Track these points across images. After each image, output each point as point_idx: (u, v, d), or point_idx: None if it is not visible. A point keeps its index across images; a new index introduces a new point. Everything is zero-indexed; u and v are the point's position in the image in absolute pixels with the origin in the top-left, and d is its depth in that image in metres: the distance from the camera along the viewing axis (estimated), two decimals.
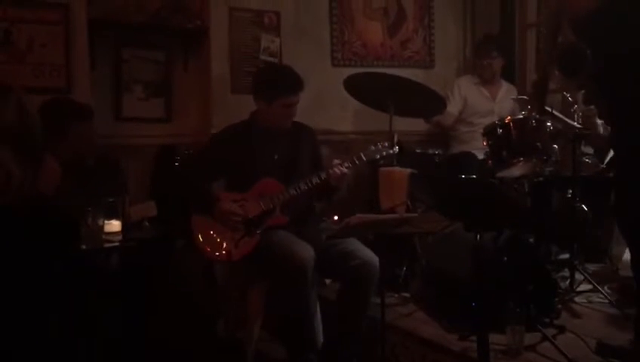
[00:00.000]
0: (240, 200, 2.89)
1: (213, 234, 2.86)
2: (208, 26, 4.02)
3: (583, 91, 3.21)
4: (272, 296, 2.91)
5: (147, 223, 3.04)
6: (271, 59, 4.15)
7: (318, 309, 2.76)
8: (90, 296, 2.35)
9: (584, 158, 3.41)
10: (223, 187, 3.06)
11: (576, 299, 3.10)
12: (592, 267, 3.49)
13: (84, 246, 2.51)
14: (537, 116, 3.08)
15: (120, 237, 2.77)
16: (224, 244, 2.83)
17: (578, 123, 3.28)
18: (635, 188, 2.29)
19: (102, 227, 2.74)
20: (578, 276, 3.23)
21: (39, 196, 1.73)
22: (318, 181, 2.87)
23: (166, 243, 3.17)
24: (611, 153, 3.43)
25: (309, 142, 3.13)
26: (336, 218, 3.49)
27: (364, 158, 2.96)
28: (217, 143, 3.06)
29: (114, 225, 2.81)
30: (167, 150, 3.96)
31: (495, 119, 3.52)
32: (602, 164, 3.52)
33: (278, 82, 2.97)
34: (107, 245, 2.71)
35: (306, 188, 2.87)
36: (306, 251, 2.68)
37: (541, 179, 3.40)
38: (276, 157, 3.00)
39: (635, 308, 2.49)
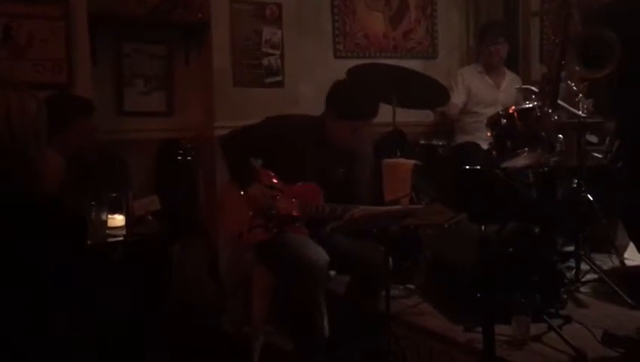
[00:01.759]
0: (277, 188, 2.82)
1: (235, 210, 2.82)
2: (209, 19, 4.00)
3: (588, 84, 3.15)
4: (279, 291, 2.90)
5: (151, 218, 3.04)
6: (272, 51, 4.13)
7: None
8: (93, 291, 2.35)
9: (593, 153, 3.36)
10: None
11: (582, 289, 3.09)
12: (597, 257, 3.47)
13: (88, 242, 2.50)
14: (550, 110, 3.04)
15: (123, 232, 2.77)
16: (240, 224, 2.79)
17: (583, 112, 3.25)
18: None
19: (105, 222, 2.74)
20: (584, 266, 3.21)
21: (44, 195, 1.72)
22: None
23: (170, 238, 3.16)
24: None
25: (365, 170, 3.02)
26: None
27: None
28: (276, 129, 2.87)
29: (117, 220, 2.81)
30: (169, 144, 3.95)
31: (499, 109, 3.50)
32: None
33: (352, 103, 2.77)
34: (111, 240, 2.70)
35: (339, 214, 2.66)
36: (320, 255, 2.64)
37: (546, 169, 3.38)
38: (326, 174, 2.85)
39: None
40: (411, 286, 3.29)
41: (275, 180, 2.84)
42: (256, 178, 2.81)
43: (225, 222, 2.90)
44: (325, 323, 2.70)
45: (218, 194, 2.88)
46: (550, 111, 3.01)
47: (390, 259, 2.61)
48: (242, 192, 2.79)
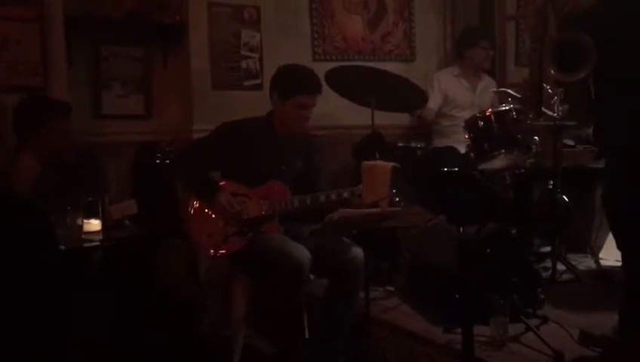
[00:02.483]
0: (242, 195, 2.81)
1: (205, 224, 2.79)
2: (187, 21, 3.98)
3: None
4: (259, 292, 2.88)
5: (128, 222, 3.01)
6: (251, 54, 4.12)
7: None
8: (70, 296, 2.32)
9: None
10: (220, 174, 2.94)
11: (559, 290, 3.13)
12: (573, 257, 3.52)
13: (62, 247, 2.47)
14: (535, 119, 3.07)
15: (100, 237, 2.74)
16: (214, 236, 2.76)
17: (558, 115, 3.30)
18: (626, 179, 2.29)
19: (81, 226, 2.70)
20: (560, 266, 3.25)
21: (12, 198, 1.70)
22: (323, 201, 2.74)
23: (148, 242, 3.14)
24: None
25: (314, 155, 3.06)
26: None
27: None
28: (228, 135, 2.88)
29: (93, 225, 2.78)
30: (147, 147, 3.92)
31: (475, 111, 3.54)
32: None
33: (295, 79, 2.86)
34: (87, 245, 2.67)
35: (310, 204, 2.74)
36: (302, 252, 2.64)
37: (522, 170, 3.42)
38: (283, 168, 2.88)
39: (619, 298, 2.51)
40: (391, 288, 3.30)
41: (237, 188, 2.83)
42: (219, 187, 2.80)
43: (197, 243, 2.83)
44: (305, 323, 2.69)
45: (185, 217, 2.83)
46: (535, 120, 3.04)
47: (369, 261, 2.62)
48: (209, 204, 2.77)
